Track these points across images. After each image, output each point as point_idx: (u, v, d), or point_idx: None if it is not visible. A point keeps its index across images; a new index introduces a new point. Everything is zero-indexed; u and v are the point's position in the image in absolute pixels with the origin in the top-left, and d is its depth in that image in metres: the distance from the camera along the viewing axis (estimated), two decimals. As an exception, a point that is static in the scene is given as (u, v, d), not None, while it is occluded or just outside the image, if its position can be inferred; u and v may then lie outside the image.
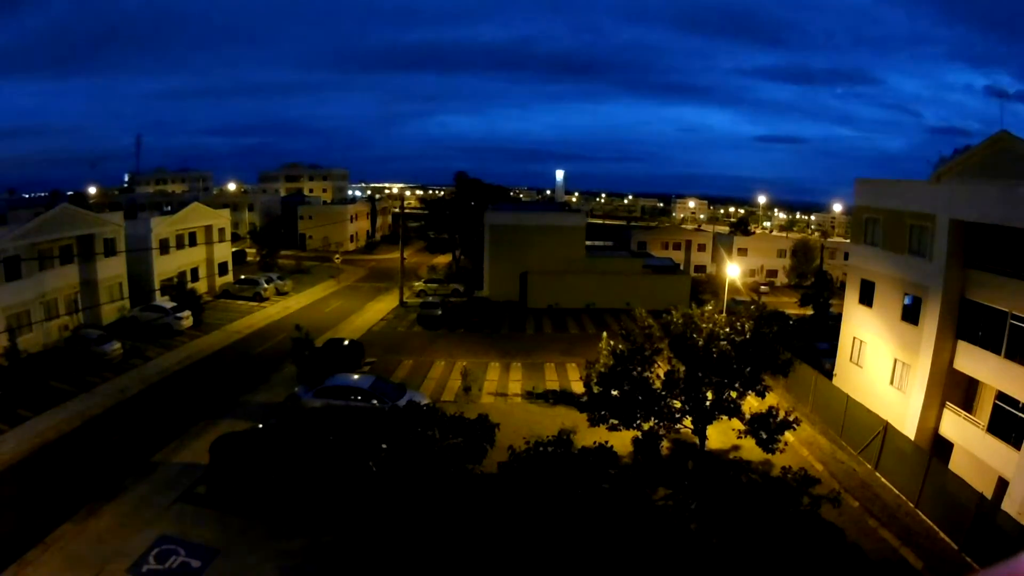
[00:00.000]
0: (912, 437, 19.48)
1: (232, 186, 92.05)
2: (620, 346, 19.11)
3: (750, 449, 19.25)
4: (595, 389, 18.90)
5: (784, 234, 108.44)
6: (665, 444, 19.56)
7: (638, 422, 18.42)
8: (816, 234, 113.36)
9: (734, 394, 18.67)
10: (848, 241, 45.80)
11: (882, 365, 22.99)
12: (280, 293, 44.51)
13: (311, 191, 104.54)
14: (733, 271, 36.71)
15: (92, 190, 78.63)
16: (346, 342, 27.88)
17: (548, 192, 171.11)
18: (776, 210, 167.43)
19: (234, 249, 52.02)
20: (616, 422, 18.27)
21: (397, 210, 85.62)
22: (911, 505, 17.33)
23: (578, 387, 24.30)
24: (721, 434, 20.58)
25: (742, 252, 67.11)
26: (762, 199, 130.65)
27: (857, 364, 24.84)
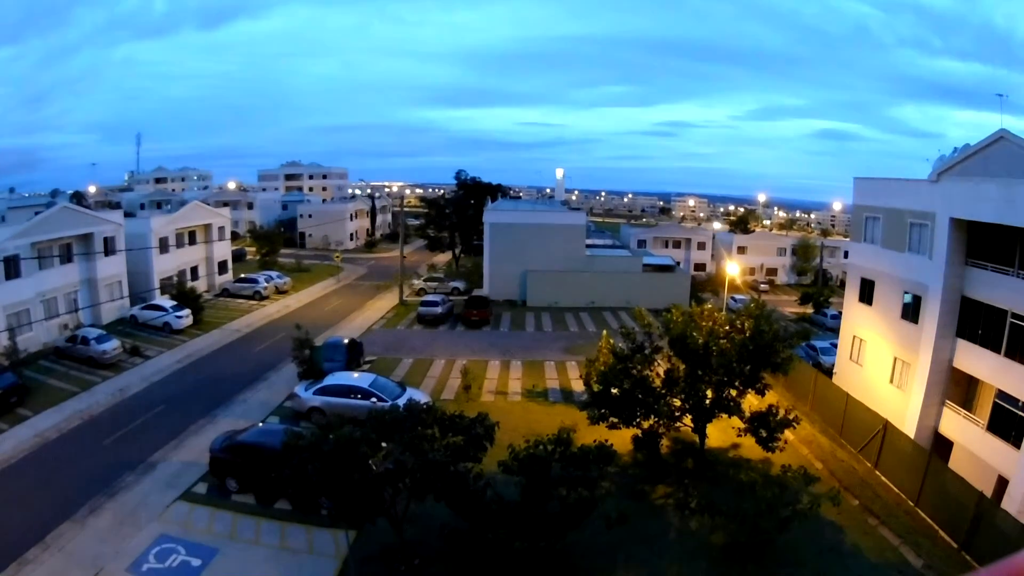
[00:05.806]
0: (912, 435, 19.46)
1: (232, 185, 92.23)
2: (620, 345, 19.11)
3: (750, 447, 19.26)
4: (595, 387, 18.91)
5: (784, 232, 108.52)
6: (665, 442, 19.57)
7: (638, 420, 18.43)
8: (816, 232, 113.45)
9: (734, 392, 18.67)
10: (848, 239, 45.81)
11: (882, 363, 22.98)
12: (280, 292, 44.55)
13: (311, 190, 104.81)
14: (733, 269, 36.79)
15: (92, 189, 78.90)
16: (346, 340, 27.84)
17: (548, 191, 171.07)
18: (776, 209, 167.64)
19: (234, 248, 52.00)
20: (616, 420, 18.27)
21: (397, 208, 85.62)
22: (911, 503, 17.32)
23: (578, 385, 24.31)
24: (721, 432, 20.58)
25: (742, 250, 67.05)
26: (761, 198, 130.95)
27: (857, 362, 24.85)
